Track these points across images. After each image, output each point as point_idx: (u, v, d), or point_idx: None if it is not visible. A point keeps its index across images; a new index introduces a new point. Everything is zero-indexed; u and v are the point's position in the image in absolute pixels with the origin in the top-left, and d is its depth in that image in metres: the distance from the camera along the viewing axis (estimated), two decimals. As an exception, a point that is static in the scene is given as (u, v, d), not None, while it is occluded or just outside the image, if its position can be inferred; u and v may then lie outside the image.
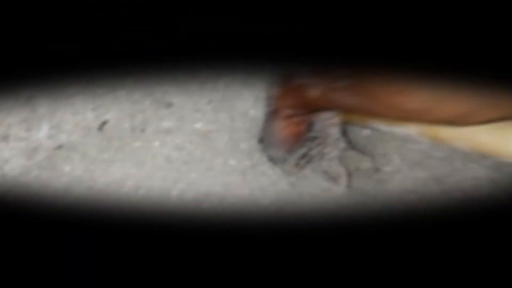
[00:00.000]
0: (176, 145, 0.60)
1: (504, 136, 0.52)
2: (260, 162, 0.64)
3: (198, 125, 0.61)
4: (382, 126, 0.60)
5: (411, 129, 0.57)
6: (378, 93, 0.50)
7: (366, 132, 0.62)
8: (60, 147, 0.58)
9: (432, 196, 0.59)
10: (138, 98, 0.61)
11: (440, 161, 0.61)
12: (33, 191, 0.55)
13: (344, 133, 0.60)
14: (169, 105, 0.62)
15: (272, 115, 0.59)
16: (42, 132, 0.58)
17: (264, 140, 0.62)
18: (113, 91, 0.60)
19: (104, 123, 0.60)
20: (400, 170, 0.61)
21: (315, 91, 0.53)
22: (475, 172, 0.59)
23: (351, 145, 0.61)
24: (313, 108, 0.56)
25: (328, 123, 0.60)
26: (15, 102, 0.58)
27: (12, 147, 0.57)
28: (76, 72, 0.59)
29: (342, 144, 0.60)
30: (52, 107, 0.58)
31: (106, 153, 0.58)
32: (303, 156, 0.60)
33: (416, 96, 0.47)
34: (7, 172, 0.56)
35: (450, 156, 0.60)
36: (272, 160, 0.61)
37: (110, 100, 0.60)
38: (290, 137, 0.59)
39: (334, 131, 0.61)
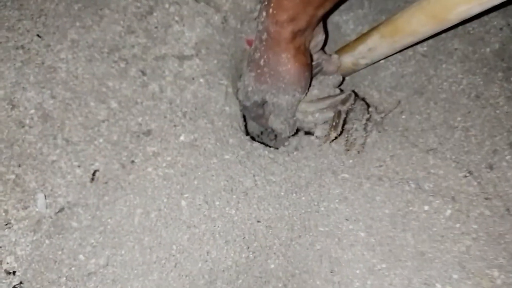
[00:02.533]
0: (168, 163, 0.69)
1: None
2: (252, 148, 0.74)
3: (182, 138, 0.72)
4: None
5: (374, 39, 0.68)
6: None
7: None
8: (61, 210, 0.66)
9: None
10: (116, 139, 0.71)
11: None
12: (50, 259, 0.62)
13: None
14: (148, 132, 0.72)
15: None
16: (39, 204, 0.67)
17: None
18: (91, 142, 0.71)
19: (94, 173, 0.70)
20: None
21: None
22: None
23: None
24: None
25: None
26: (3, 187, 0.67)
27: (17, 229, 0.65)
28: (53, 135, 0.70)
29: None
30: (40, 178, 0.68)
31: (107, 197, 0.67)
32: None
33: None
34: (20, 254, 0.63)
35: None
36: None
37: (91, 151, 0.70)
38: None
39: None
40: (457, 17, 0.55)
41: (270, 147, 0.77)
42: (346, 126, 0.67)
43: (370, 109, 0.68)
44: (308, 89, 0.68)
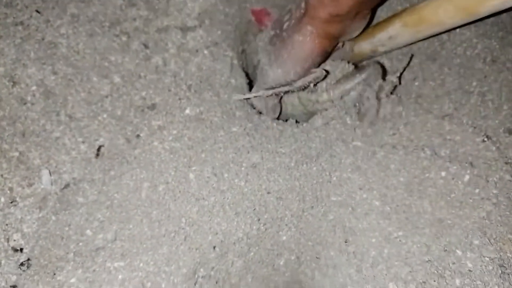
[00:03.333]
0: (174, 136, 0.67)
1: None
2: (260, 120, 0.72)
3: (188, 111, 0.70)
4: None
5: (396, 27, 0.65)
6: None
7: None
8: (67, 186, 0.65)
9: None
10: (120, 114, 0.69)
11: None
12: (57, 235, 0.61)
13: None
14: (153, 106, 0.70)
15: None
16: (44, 181, 0.65)
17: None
18: (95, 117, 0.69)
19: (99, 149, 0.68)
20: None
21: None
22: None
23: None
24: None
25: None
26: (7, 165, 0.66)
27: (23, 206, 0.63)
28: (56, 112, 0.68)
29: None
30: (45, 155, 0.66)
31: (113, 171, 0.65)
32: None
33: None
34: (27, 231, 0.62)
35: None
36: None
37: (95, 126, 0.68)
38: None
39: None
40: (489, 10, 0.52)
41: (278, 118, 0.75)
42: (357, 93, 0.64)
43: (385, 76, 0.64)
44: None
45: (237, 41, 0.76)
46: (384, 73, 0.64)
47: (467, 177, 0.58)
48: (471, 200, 0.57)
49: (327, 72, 0.64)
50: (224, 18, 0.74)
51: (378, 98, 0.63)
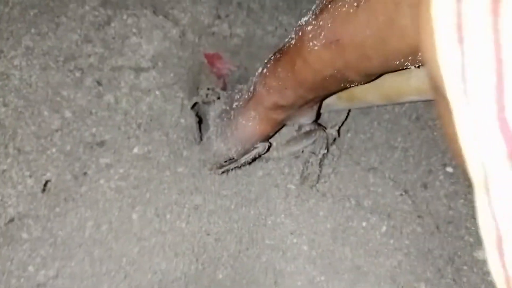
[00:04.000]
0: (121, 175, 0.70)
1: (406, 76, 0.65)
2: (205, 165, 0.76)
3: (136, 150, 0.73)
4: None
5: (331, 98, 0.71)
6: None
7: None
8: (11, 220, 0.66)
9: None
10: (69, 149, 0.72)
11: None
12: (-2, 270, 0.62)
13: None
14: (102, 143, 0.73)
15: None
16: (-12, 214, 0.67)
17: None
18: (43, 151, 0.71)
19: (46, 184, 0.70)
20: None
21: None
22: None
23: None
24: None
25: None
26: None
27: (-37, 240, 0.64)
28: (5, 144, 0.69)
29: None
30: (-10, 188, 0.68)
31: (58, 208, 0.67)
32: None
33: None
34: (-35, 265, 0.63)
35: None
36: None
37: (44, 161, 0.70)
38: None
39: None
40: (408, 100, 0.60)
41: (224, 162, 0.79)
42: (303, 157, 0.70)
43: (329, 143, 0.70)
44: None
45: (190, 82, 0.80)
46: (328, 142, 0.70)
47: (384, 228, 0.65)
48: (385, 250, 0.64)
49: (270, 145, 0.68)
50: (177, 61, 0.78)
51: (320, 166, 0.69)
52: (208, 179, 0.72)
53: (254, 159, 0.70)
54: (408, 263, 0.63)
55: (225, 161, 0.69)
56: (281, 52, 0.56)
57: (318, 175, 0.69)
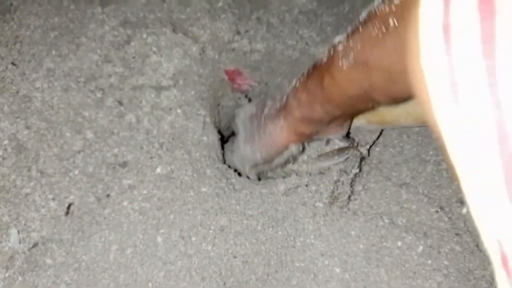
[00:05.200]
0: (144, 196, 0.69)
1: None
2: (230, 179, 0.74)
3: (158, 170, 0.71)
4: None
5: (360, 121, 0.69)
6: None
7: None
8: (35, 245, 0.65)
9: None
10: (92, 171, 0.70)
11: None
12: (22, 297, 0.61)
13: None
14: (124, 164, 0.71)
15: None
16: (12, 239, 0.65)
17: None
18: (66, 173, 0.69)
19: (69, 206, 0.68)
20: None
21: None
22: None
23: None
24: None
25: None
26: (-25, 222, 0.65)
27: (-13, 266, 0.63)
28: (27, 167, 0.68)
29: None
30: (14, 212, 0.66)
31: (81, 232, 0.65)
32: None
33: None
34: (-11, 292, 0.62)
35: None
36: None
37: (66, 183, 0.69)
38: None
39: None
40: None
41: (247, 177, 0.77)
42: (330, 175, 0.67)
43: (362, 163, 0.68)
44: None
45: (210, 99, 0.79)
46: (360, 161, 0.67)
47: (420, 248, 0.62)
48: (423, 271, 0.60)
49: (304, 147, 0.66)
50: (198, 79, 0.77)
51: (351, 186, 0.66)
52: (233, 198, 0.70)
53: (287, 162, 0.69)
54: (448, 285, 0.59)
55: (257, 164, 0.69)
56: (313, 68, 0.57)
57: (349, 196, 0.66)
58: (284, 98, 0.63)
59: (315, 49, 0.81)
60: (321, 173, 0.67)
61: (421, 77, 0.22)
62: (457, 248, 0.62)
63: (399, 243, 0.62)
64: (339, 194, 0.66)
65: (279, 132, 0.64)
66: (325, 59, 0.53)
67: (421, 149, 0.73)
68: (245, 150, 0.70)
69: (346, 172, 0.65)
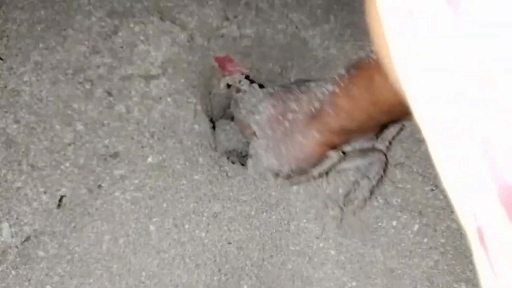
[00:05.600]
0: (136, 186, 0.68)
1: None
2: (223, 166, 0.73)
3: (150, 159, 0.70)
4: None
5: None
6: None
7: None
8: (27, 239, 0.64)
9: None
10: (83, 162, 0.70)
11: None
12: (16, 290, 0.60)
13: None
14: (115, 154, 0.71)
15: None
16: (4, 234, 0.65)
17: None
18: (57, 166, 0.69)
19: (61, 199, 0.68)
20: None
21: None
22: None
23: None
24: None
25: None
26: (-33, 218, 0.65)
27: (-20, 261, 0.63)
28: (18, 161, 0.68)
29: None
30: (5, 206, 0.66)
31: (74, 223, 0.65)
32: None
33: None
34: (-17, 286, 0.61)
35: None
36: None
37: (58, 176, 0.68)
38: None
39: None
40: None
41: (242, 164, 0.76)
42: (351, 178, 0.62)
43: (385, 171, 0.63)
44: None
45: (201, 87, 0.78)
46: (386, 166, 0.62)
47: (416, 226, 0.61)
48: (420, 250, 0.59)
49: (344, 154, 0.60)
50: (187, 66, 0.76)
51: (371, 192, 0.62)
52: (226, 185, 0.69)
53: (327, 172, 0.62)
54: (445, 263, 0.59)
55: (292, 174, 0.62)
56: (358, 68, 0.51)
57: (365, 201, 0.62)
58: (317, 105, 0.56)
59: (305, 33, 0.80)
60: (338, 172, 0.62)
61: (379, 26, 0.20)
62: (453, 225, 0.62)
63: (394, 223, 0.62)
64: (356, 198, 0.61)
65: (311, 146, 0.57)
66: (373, 56, 0.47)
67: (415, 128, 0.71)
68: (269, 161, 0.63)
69: (368, 178, 0.60)
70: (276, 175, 0.65)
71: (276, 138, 0.61)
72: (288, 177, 0.64)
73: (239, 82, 0.73)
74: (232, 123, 0.84)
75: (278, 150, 0.61)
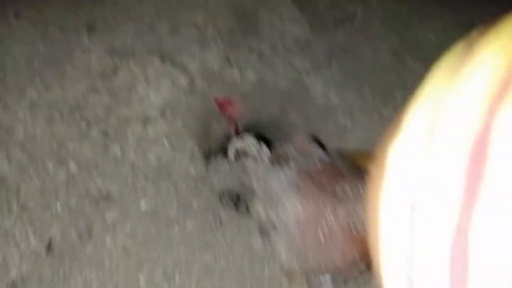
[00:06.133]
0: (128, 232, 0.67)
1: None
2: (217, 214, 0.72)
3: (143, 204, 0.69)
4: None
5: None
6: None
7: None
8: (13, 283, 0.63)
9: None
10: (74, 204, 0.68)
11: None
12: None
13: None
14: (108, 197, 0.70)
15: None
16: (-11, 278, 0.63)
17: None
18: (48, 207, 0.67)
19: (50, 242, 0.66)
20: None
21: None
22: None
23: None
24: None
25: None
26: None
27: (-39, 306, 0.61)
28: (8, 201, 0.67)
29: None
30: (-9, 248, 0.64)
31: (61, 270, 0.63)
32: None
33: None
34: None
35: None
36: None
37: (48, 217, 0.67)
38: None
39: None
40: None
41: (237, 209, 0.75)
42: None
43: None
44: None
45: (199, 129, 0.77)
46: None
47: None
48: None
49: None
50: (186, 109, 0.75)
51: None
52: (219, 232, 0.68)
53: None
54: None
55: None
56: None
57: None
58: (357, 221, 0.53)
59: (307, 79, 0.80)
60: None
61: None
62: None
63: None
64: None
65: (348, 264, 0.55)
66: None
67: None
68: (288, 259, 0.57)
69: None
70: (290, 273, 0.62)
71: (304, 243, 0.56)
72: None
73: (249, 146, 0.67)
74: (227, 163, 0.83)
75: (303, 256, 0.56)
